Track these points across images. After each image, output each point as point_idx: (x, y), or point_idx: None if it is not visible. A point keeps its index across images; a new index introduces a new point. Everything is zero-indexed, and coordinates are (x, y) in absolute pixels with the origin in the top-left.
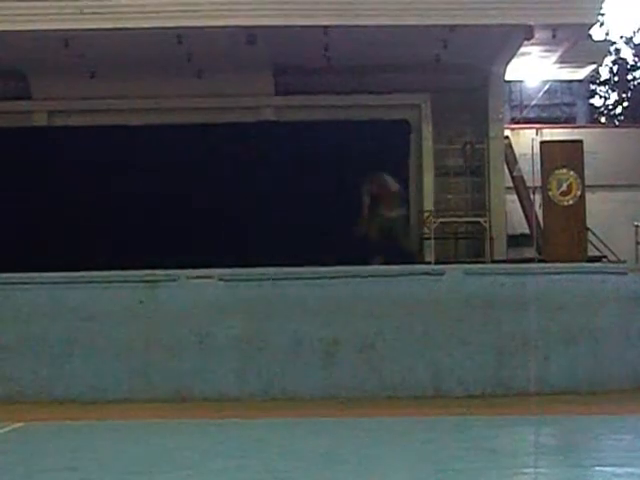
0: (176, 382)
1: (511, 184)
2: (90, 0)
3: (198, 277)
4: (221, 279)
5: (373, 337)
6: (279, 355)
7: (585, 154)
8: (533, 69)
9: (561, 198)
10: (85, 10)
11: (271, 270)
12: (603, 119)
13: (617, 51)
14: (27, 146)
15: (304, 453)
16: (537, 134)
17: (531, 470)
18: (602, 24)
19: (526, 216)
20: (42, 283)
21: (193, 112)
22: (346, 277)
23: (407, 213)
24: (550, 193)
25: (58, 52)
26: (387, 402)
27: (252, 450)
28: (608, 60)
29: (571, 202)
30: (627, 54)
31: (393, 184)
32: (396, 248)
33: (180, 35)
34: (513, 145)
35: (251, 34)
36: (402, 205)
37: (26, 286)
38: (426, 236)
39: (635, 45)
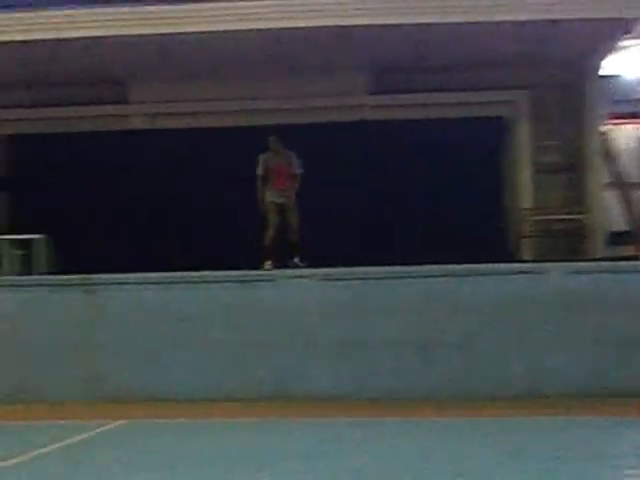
0: (272, 381)
1: (610, 180)
2: (186, 4)
3: (294, 277)
4: (318, 279)
5: (470, 336)
6: (375, 355)
7: None
8: (632, 63)
9: None
10: (181, 14)
11: (367, 269)
12: None
13: None
14: (125, 149)
15: (403, 454)
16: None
17: (636, 472)
18: None
19: (626, 213)
20: (141, 283)
21: (288, 113)
22: (444, 276)
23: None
24: None
25: (155, 56)
26: (485, 403)
27: (350, 450)
28: None
29: None
30: None
31: None
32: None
33: (277, 36)
34: (613, 140)
35: (346, 34)
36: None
37: (127, 286)
38: (523, 234)
39: None
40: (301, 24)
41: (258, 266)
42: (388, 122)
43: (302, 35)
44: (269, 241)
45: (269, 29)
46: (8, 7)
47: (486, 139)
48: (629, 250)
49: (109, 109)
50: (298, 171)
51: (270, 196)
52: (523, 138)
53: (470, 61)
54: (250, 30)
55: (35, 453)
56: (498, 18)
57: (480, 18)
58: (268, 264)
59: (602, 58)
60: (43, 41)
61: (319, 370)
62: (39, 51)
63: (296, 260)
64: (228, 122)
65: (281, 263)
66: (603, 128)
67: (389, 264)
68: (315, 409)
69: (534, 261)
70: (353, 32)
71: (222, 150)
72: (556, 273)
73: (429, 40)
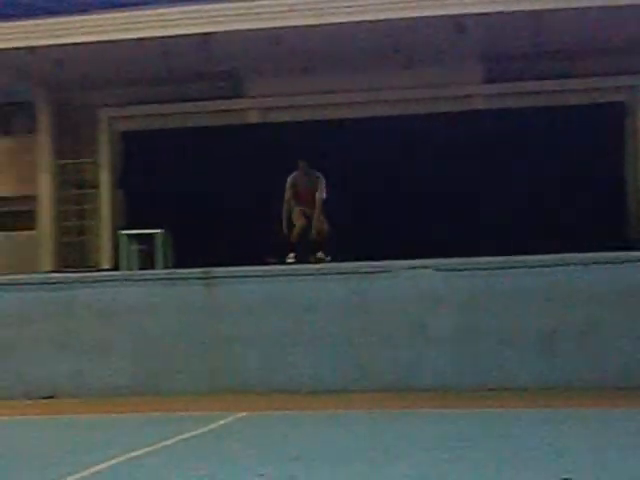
0: (392, 372)
1: None
2: None
3: (413, 268)
4: (437, 269)
5: (593, 325)
6: (495, 345)
7: None
8: None
9: None
10: (294, 7)
11: (486, 259)
12: None
13: None
14: (242, 143)
15: (529, 443)
16: None
17: None
18: None
19: None
20: (261, 276)
21: (402, 103)
22: (565, 265)
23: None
24: None
25: (270, 50)
26: (608, 393)
27: (474, 440)
28: None
29: None
30: None
31: None
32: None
33: (390, 27)
34: None
35: (460, 23)
36: None
37: (247, 279)
38: None
39: None
40: (415, 14)
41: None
42: (504, 111)
43: (416, 26)
44: (296, 238)
45: (382, 20)
46: (121, 6)
47: (605, 125)
48: None
49: (224, 104)
50: (322, 196)
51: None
52: None
53: (588, 47)
54: (363, 22)
55: (160, 445)
56: (615, 2)
57: (598, 3)
58: (291, 257)
59: None
60: (157, 38)
61: (441, 361)
62: (153, 48)
63: (319, 255)
64: (342, 114)
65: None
66: None
67: (510, 253)
68: (439, 400)
69: None
70: (467, 21)
71: (336, 142)
72: None
73: (546, 26)
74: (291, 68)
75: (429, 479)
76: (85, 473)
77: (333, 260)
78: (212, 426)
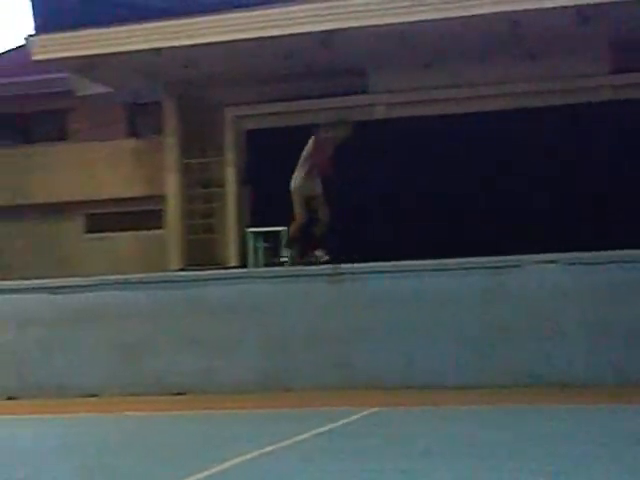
0: (518, 367)
1: None
2: None
3: (542, 262)
4: (565, 263)
5: None
6: (626, 340)
7: None
8: None
9: None
10: (419, 2)
11: (617, 253)
12: None
13: None
14: (367, 139)
15: None
16: None
17: None
18: None
19: None
20: (392, 272)
21: (527, 96)
22: None
23: None
24: None
25: (394, 46)
26: None
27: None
28: None
29: None
30: None
31: None
32: None
33: (513, 19)
34: None
35: (583, 13)
36: None
37: (377, 275)
38: None
39: None
40: (536, 5)
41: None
42: (633, 102)
43: (539, 17)
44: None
45: (504, 12)
46: (242, 6)
47: None
48: None
49: (350, 100)
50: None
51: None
52: None
53: None
54: (487, 14)
55: (292, 441)
56: None
57: None
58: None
59: None
60: (280, 37)
61: (572, 356)
62: (277, 47)
63: (318, 253)
64: (466, 108)
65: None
66: None
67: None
68: (565, 396)
69: None
70: (591, 10)
71: (462, 136)
72: None
73: None
74: (416, 62)
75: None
76: (220, 467)
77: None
78: (344, 421)
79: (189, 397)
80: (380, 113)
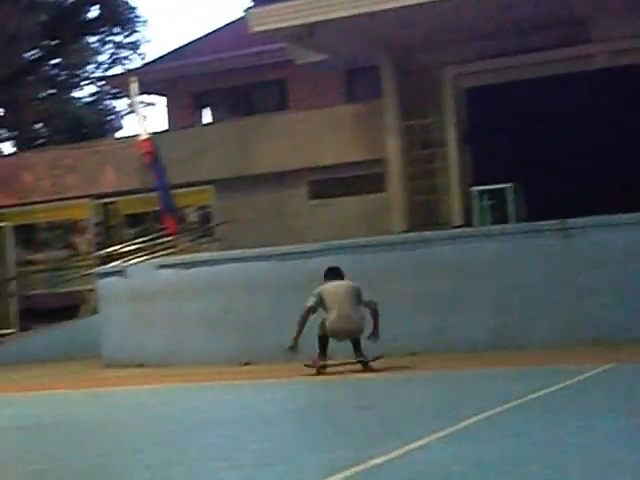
0: None
1: None
2: None
3: None
4: None
5: None
6: None
7: None
8: None
9: None
10: None
11: None
12: None
13: None
14: (588, 90)
15: None
16: None
17: None
18: None
19: None
20: (623, 224)
21: None
22: None
23: None
24: None
25: None
26: None
27: None
28: None
29: None
30: None
31: None
32: None
33: None
34: None
35: None
36: None
37: (607, 228)
38: None
39: None
40: None
41: None
42: None
43: None
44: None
45: None
46: None
47: None
48: None
49: (569, 51)
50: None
51: None
52: None
53: None
54: None
55: (528, 398)
56: None
57: None
58: None
59: None
60: None
61: None
62: (492, 2)
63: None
64: None
65: None
66: None
67: None
68: None
69: None
70: None
71: None
72: None
73: None
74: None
75: None
76: (457, 427)
77: None
78: (578, 378)
79: (419, 357)
80: (602, 62)
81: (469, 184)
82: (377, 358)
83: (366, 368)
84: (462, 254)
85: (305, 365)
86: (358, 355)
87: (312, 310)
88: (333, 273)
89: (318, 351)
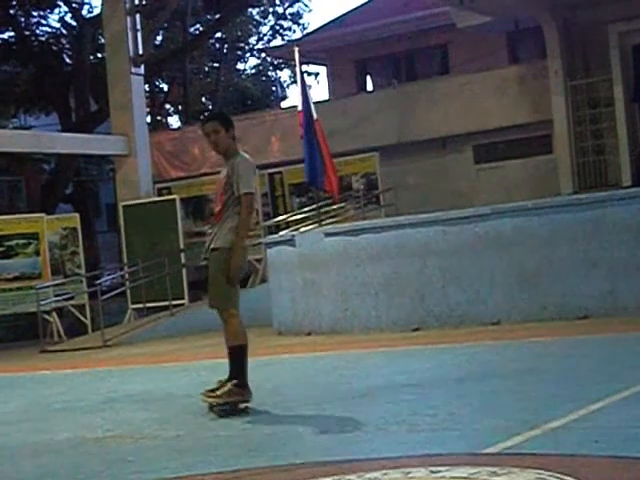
0: None
1: None
2: None
3: None
4: None
5: None
6: None
7: None
8: None
9: None
10: None
11: None
12: None
13: None
14: None
15: None
16: None
17: None
18: None
19: None
20: None
21: None
22: None
23: None
24: None
25: None
26: None
27: None
28: None
29: None
30: None
31: None
32: None
33: None
34: None
35: None
36: None
37: None
38: None
39: None
40: None
41: None
42: None
43: None
44: None
45: None
46: None
47: None
48: None
49: None
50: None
51: None
52: None
53: None
54: None
55: None
56: None
57: None
58: None
59: None
60: None
61: None
62: None
63: None
64: None
65: None
66: None
67: None
68: None
69: None
70: None
71: None
72: None
73: None
74: None
75: None
76: (629, 392)
77: None
78: None
79: (592, 321)
80: None
81: (638, 143)
82: None
83: None
84: (634, 215)
85: None
86: None
87: None
88: None
89: None
